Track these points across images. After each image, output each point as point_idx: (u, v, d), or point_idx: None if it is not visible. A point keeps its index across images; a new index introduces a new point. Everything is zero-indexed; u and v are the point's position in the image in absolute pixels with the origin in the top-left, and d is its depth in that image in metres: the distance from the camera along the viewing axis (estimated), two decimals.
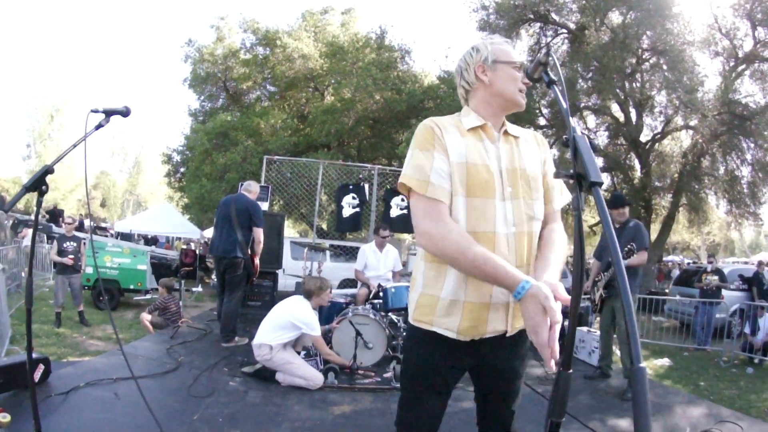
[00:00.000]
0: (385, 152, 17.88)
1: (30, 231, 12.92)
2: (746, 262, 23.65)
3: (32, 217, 18.72)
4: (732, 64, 14.45)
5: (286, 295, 5.54)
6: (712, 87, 13.85)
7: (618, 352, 5.70)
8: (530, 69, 1.49)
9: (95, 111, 2.22)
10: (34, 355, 3.46)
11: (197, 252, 15.75)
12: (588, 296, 5.60)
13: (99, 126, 2.22)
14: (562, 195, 1.84)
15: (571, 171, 1.05)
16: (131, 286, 10.22)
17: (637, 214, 15.08)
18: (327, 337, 4.92)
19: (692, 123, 14.18)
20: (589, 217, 17.70)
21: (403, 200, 9.44)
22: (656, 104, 15.25)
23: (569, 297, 1.27)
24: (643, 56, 14.62)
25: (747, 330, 8.57)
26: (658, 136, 16.00)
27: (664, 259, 25.08)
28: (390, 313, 5.56)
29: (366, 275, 6.47)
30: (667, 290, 15.15)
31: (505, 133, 1.74)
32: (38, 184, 2.02)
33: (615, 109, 16.44)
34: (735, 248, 42.90)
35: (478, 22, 16.10)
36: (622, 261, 0.90)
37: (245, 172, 14.04)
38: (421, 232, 1.59)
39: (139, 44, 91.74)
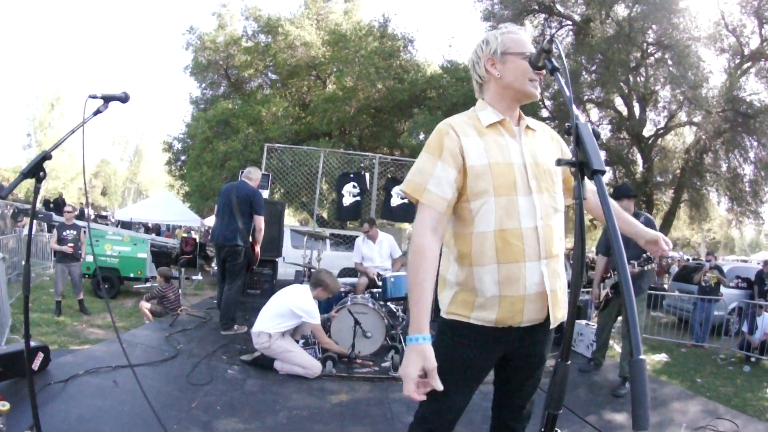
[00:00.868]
0: (386, 141, 17.87)
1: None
2: (745, 261, 23.65)
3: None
4: (738, 61, 14.36)
5: (286, 283, 5.55)
6: (716, 84, 13.80)
7: (618, 348, 5.68)
8: (533, 57, 1.47)
9: (93, 97, 2.20)
10: (33, 344, 3.47)
11: (197, 240, 15.75)
12: (588, 290, 5.57)
13: (97, 112, 2.20)
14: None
15: (573, 159, 1.03)
16: (131, 275, 10.22)
17: (638, 208, 15.04)
18: (326, 326, 4.92)
19: (696, 119, 14.14)
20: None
21: None
22: (660, 99, 15.20)
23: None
24: (648, 50, 14.54)
25: (745, 328, 8.58)
26: (661, 131, 15.96)
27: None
28: (389, 302, 5.56)
29: (364, 266, 6.50)
30: (666, 286, 15.15)
31: (526, 127, 1.74)
32: (36, 170, 2.00)
33: (618, 102, 16.37)
34: (735, 246, 42.90)
35: (483, 12, 16.06)
36: (623, 251, 0.89)
37: (246, 160, 13.99)
38: (413, 234, 1.67)
39: (140, 32, 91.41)
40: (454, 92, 14.91)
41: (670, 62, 13.60)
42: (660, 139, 16.24)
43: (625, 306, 0.83)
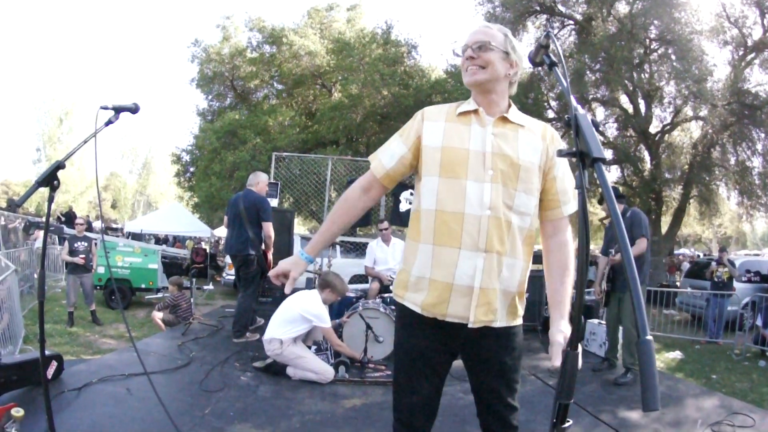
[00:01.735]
0: None
1: (42, 233, 13.06)
2: (757, 255, 23.42)
3: (44, 219, 18.91)
4: (741, 53, 14.29)
5: (297, 290, 5.57)
6: (721, 76, 13.75)
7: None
8: (532, 53, 1.48)
9: (105, 108, 2.25)
10: (47, 353, 3.50)
11: (208, 251, 15.83)
12: (591, 289, 5.59)
13: (109, 122, 2.24)
14: (575, 201, 1.77)
15: (573, 149, 1.05)
16: (143, 285, 10.29)
17: (647, 206, 14.98)
18: (338, 331, 4.94)
19: (702, 113, 14.07)
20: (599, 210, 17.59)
21: (411, 194, 9.43)
22: (665, 95, 15.13)
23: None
24: (651, 46, 14.50)
25: (759, 322, 8.47)
26: (668, 127, 15.88)
27: (675, 252, 24.88)
28: None
29: (376, 270, 6.51)
30: (678, 283, 15.02)
31: (502, 118, 1.72)
32: (50, 179, 2.04)
33: (624, 100, 16.31)
34: (747, 241, 42.40)
35: (485, 15, 16.08)
36: (624, 232, 0.90)
37: (254, 170, 14.04)
38: None
39: (146, 46, 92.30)
40: (459, 96, 14.89)
41: (673, 57, 13.57)
42: (667, 135, 16.15)
43: (630, 286, 0.83)
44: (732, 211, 19.56)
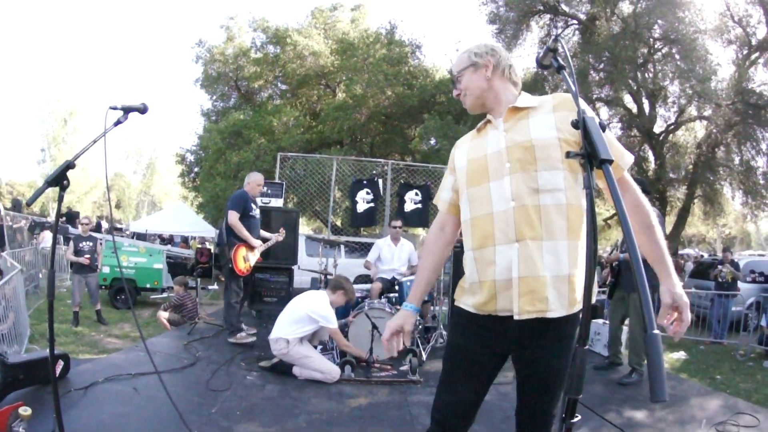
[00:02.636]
0: (398, 147, 17.94)
1: (47, 233, 13.13)
2: (762, 255, 23.31)
3: (49, 220, 18.98)
4: (745, 52, 14.21)
5: (302, 291, 5.58)
6: (725, 76, 13.67)
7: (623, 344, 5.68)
8: (540, 56, 1.50)
9: (114, 108, 2.27)
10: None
11: (212, 250, 15.85)
12: (603, 290, 5.62)
13: (118, 122, 2.26)
14: (628, 155, 1.72)
15: (581, 151, 1.06)
16: (148, 285, 10.34)
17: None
18: (344, 330, 4.96)
19: (706, 113, 13.99)
20: (603, 210, 17.59)
21: (416, 194, 9.48)
22: (669, 94, 15.05)
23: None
24: (655, 46, 14.43)
25: (763, 323, 8.44)
26: (672, 126, 15.82)
27: (679, 252, 24.81)
28: None
29: (379, 269, 6.51)
30: (682, 283, 14.96)
31: (511, 109, 1.75)
32: (60, 179, 2.07)
33: (627, 100, 16.25)
34: (752, 241, 42.20)
35: (488, 15, 16.02)
36: (632, 232, 0.92)
37: (259, 170, 14.08)
38: None
39: (150, 47, 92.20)
40: None
41: (677, 57, 13.49)
42: (671, 134, 16.09)
43: (636, 283, 0.85)
44: (736, 211, 19.46)
